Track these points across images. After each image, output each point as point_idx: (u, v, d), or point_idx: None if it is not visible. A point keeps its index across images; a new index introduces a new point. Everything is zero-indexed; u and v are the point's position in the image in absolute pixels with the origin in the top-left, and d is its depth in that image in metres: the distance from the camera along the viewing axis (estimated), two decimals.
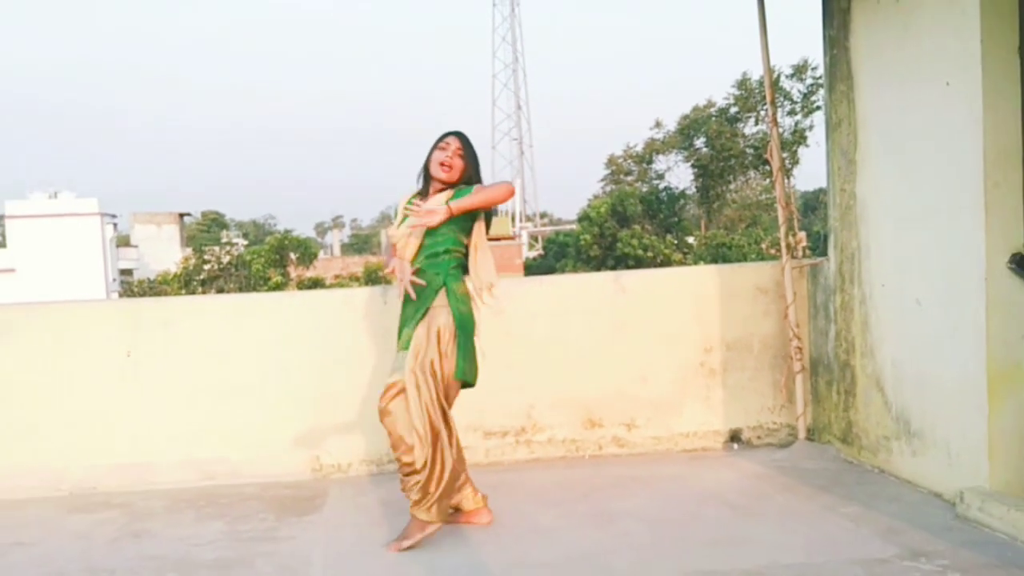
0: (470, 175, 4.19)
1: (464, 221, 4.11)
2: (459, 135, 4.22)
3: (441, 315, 4.04)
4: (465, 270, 4.22)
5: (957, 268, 4.19)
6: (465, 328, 4.08)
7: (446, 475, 3.96)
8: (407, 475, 3.99)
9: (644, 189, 44.76)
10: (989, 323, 4.01)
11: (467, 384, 4.14)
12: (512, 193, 4.17)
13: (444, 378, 4.01)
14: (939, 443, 4.38)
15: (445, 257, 4.12)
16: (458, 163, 4.15)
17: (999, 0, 3.99)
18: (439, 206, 3.96)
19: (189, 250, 50.80)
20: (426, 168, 4.23)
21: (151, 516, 4.72)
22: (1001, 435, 4.02)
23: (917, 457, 4.55)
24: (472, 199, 4.02)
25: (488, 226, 4.29)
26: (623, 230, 37.49)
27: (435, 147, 4.20)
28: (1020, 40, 4.01)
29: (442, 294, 4.07)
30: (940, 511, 4.16)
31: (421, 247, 4.14)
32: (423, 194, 4.23)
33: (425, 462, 3.92)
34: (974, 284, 4.06)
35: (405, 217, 4.18)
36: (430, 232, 4.09)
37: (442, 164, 4.13)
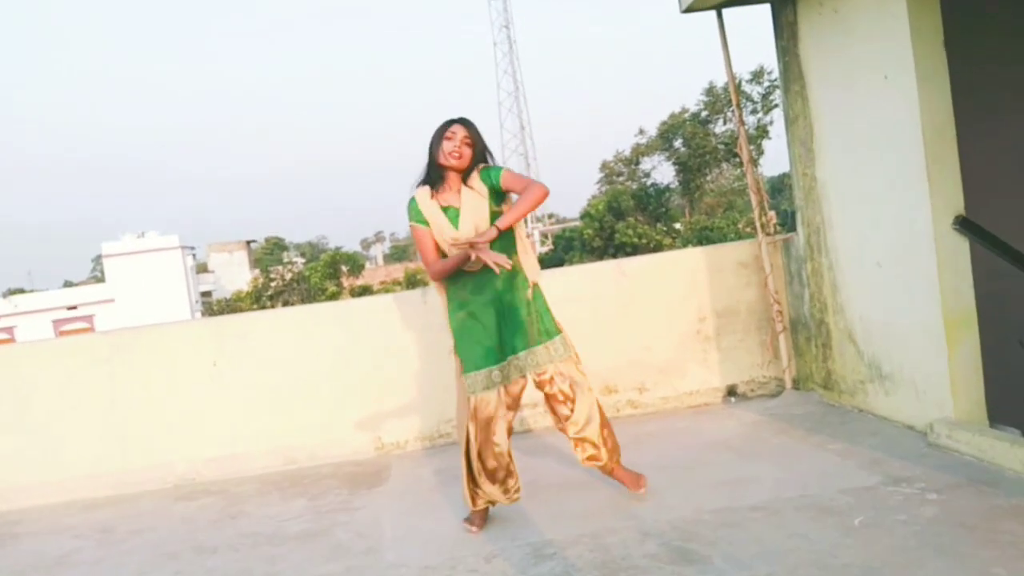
0: (478, 160, 3.61)
1: (496, 204, 3.62)
2: (463, 122, 3.60)
3: (536, 308, 3.69)
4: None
5: (909, 232, 4.12)
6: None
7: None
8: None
9: (634, 187, 44.57)
10: (941, 276, 3.95)
11: None
12: (547, 194, 3.45)
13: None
14: (908, 383, 4.32)
15: (508, 245, 3.60)
16: (467, 151, 3.56)
17: (924, 1, 3.94)
18: (483, 230, 3.46)
19: (257, 271, 51.01)
20: (433, 159, 3.61)
21: (244, 499, 4.73)
22: (960, 371, 3.96)
23: (890, 396, 4.50)
24: (516, 213, 3.45)
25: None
26: (619, 223, 37.31)
27: (441, 137, 3.57)
28: (945, 35, 3.95)
29: (534, 290, 3.69)
30: (914, 441, 4.10)
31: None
32: (432, 183, 3.62)
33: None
34: (925, 245, 4.00)
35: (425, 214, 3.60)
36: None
37: (451, 153, 3.54)
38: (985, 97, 4.05)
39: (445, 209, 3.60)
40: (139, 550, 4.04)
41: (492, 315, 3.60)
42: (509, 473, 3.68)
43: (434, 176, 3.62)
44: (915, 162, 3.99)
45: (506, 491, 3.69)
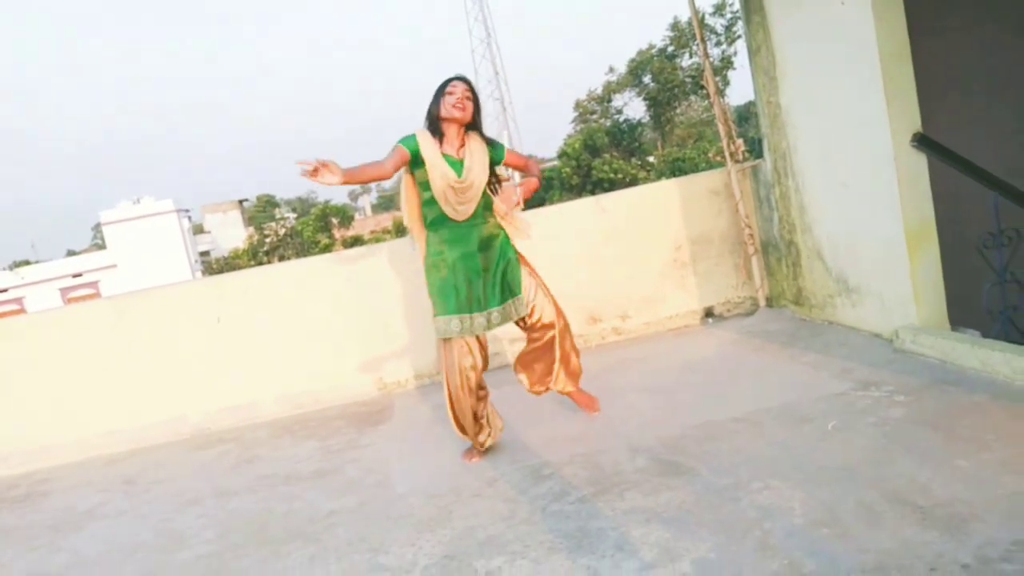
0: (477, 116, 3.63)
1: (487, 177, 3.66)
2: (464, 79, 3.62)
3: (513, 256, 3.73)
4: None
5: (870, 151, 4.12)
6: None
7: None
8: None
9: (608, 124, 44.14)
10: (901, 192, 3.96)
11: None
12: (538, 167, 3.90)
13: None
14: (873, 294, 4.37)
15: (491, 212, 3.70)
16: (469, 105, 3.56)
17: None
18: (510, 196, 3.68)
19: (251, 229, 50.62)
20: (434, 114, 3.58)
21: (259, 444, 4.78)
22: (922, 281, 4.00)
23: (857, 308, 4.55)
24: (529, 188, 3.72)
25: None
26: (595, 160, 37.06)
27: (443, 92, 3.56)
28: None
29: (509, 244, 3.72)
30: (881, 349, 4.17)
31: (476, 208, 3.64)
32: (436, 133, 3.57)
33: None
34: (886, 162, 4.00)
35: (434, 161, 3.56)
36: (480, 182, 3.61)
37: (455, 106, 3.52)
38: (935, 18, 4.01)
39: (445, 156, 3.55)
40: (162, 498, 4.10)
41: (466, 267, 3.60)
42: (480, 427, 3.72)
43: (435, 130, 3.58)
44: (873, 84, 3.97)
45: (477, 438, 3.72)
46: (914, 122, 3.94)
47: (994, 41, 5.52)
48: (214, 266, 44.13)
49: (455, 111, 3.53)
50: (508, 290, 3.70)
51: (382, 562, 2.84)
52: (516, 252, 3.76)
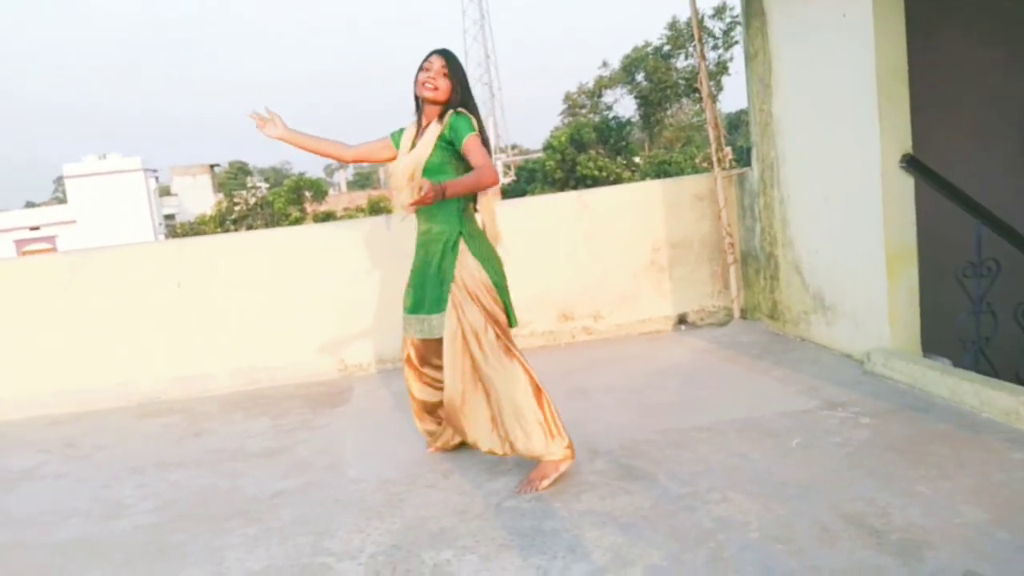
0: (458, 95, 3.29)
1: (457, 157, 3.24)
2: (443, 53, 3.32)
3: (469, 270, 3.26)
4: (474, 204, 3.38)
5: (858, 169, 4.16)
6: (503, 283, 3.39)
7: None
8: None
9: (596, 119, 44.20)
10: (886, 213, 4.01)
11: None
12: (495, 183, 3.16)
13: (503, 328, 3.33)
14: (848, 314, 4.42)
15: (454, 203, 3.27)
16: (443, 83, 3.26)
17: None
18: (424, 179, 2.99)
19: (220, 195, 50.03)
20: (414, 93, 3.36)
21: (208, 418, 4.74)
22: (898, 304, 4.06)
23: (831, 327, 4.60)
24: (460, 187, 3.05)
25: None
26: (581, 155, 37.09)
27: (419, 68, 3.32)
28: None
29: (463, 247, 3.28)
30: (851, 369, 4.22)
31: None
32: (419, 120, 3.40)
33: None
34: (873, 181, 4.05)
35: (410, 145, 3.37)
36: (429, 171, 3.23)
37: (424, 84, 3.26)
38: (936, 38, 4.06)
39: (415, 145, 3.34)
40: (103, 464, 4.04)
41: (419, 262, 3.41)
42: (434, 425, 3.61)
43: (417, 109, 3.40)
44: (867, 100, 4.01)
45: (430, 435, 3.65)
46: (905, 143, 3.98)
47: (988, 58, 5.59)
48: (178, 231, 43.56)
49: (425, 90, 3.28)
50: (431, 302, 3.33)
51: (327, 546, 2.83)
52: (483, 273, 3.28)
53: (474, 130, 3.21)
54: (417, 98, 3.37)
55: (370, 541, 2.83)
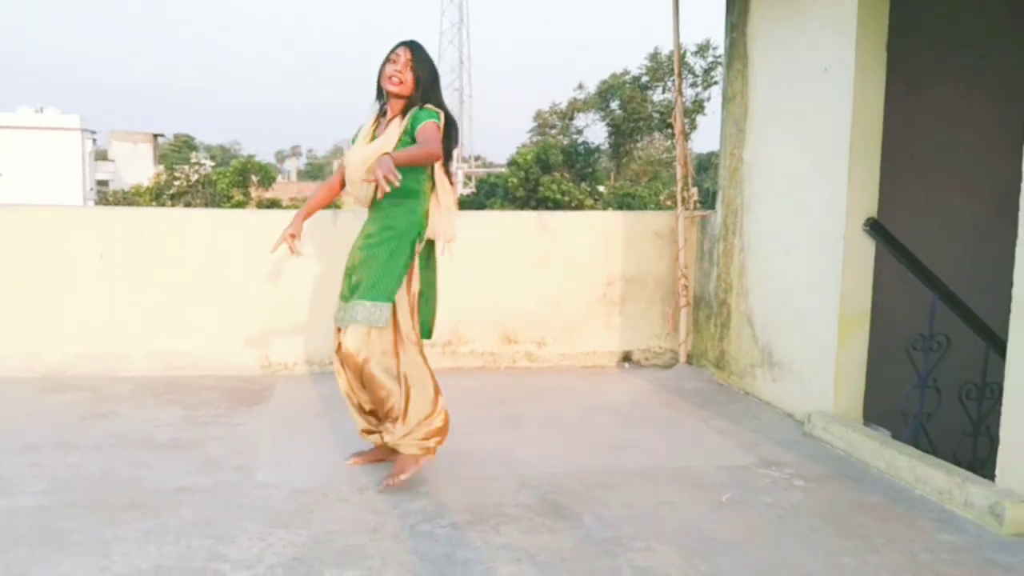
0: (424, 88, 3.32)
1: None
2: (410, 45, 3.34)
3: (379, 254, 3.29)
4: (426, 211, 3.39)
5: (822, 227, 4.26)
6: (433, 286, 3.50)
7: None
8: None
9: (565, 142, 44.62)
10: (844, 275, 4.11)
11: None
12: (435, 157, 3.25)
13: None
14: (795, 373, 4.51)
15: (411, 202, 3.32)
16: (408, 76, 3.29)
17: (874, 2, 4.02)
18: (385, 154, 3.02)
19: (161, 168, 49.09)
20: (378, 84, 3.41)
21: (116, 400, 4.60)
22: (846, 369, 4.14)
23: (777, 383, 4.68)
24: (405, 156, 3.08)
25: (448, 158, 3.42)
26: (545, 176, 37.38)
27: (386, 60, 3.35)
28: (888, 38, 4.05)
29: (416, 247, 3.34)
30: (791, 429, 4.29)
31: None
32: (383, 112, 3.44)
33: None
34: (834, 241, 4.14)
35: (370, 137, 3.43)
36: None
37: (390, 77, 3.30)
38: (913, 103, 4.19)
39: (375, 137, 3.40)
40: None
41: (355, 253, 3.40)
42: (367, 420, 3.52)
43: (381, 102, 3.44)
44: (839, 158, 4.11)
45: (361, 427, 3.55)
46: (871, 207, 4.09)
47: (970, 106, 5.74)
48: (110, 198, 42.61)
49: (390, 84, 3.31)
50: (368, 289, 3.28)
51: (224, 552, 2.76)
52: (392, 254, 3.27)
53: (432, 116, 3.27)
54: (380, 88, 3.40)
55: (271, 552, 2.77)
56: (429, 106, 3.32)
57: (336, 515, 3.08)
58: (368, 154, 3.33)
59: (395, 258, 3.28)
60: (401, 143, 3.29)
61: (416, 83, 3.32)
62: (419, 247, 3.36)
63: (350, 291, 3.34)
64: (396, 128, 3.34)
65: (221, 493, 3.27)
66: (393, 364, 3.32)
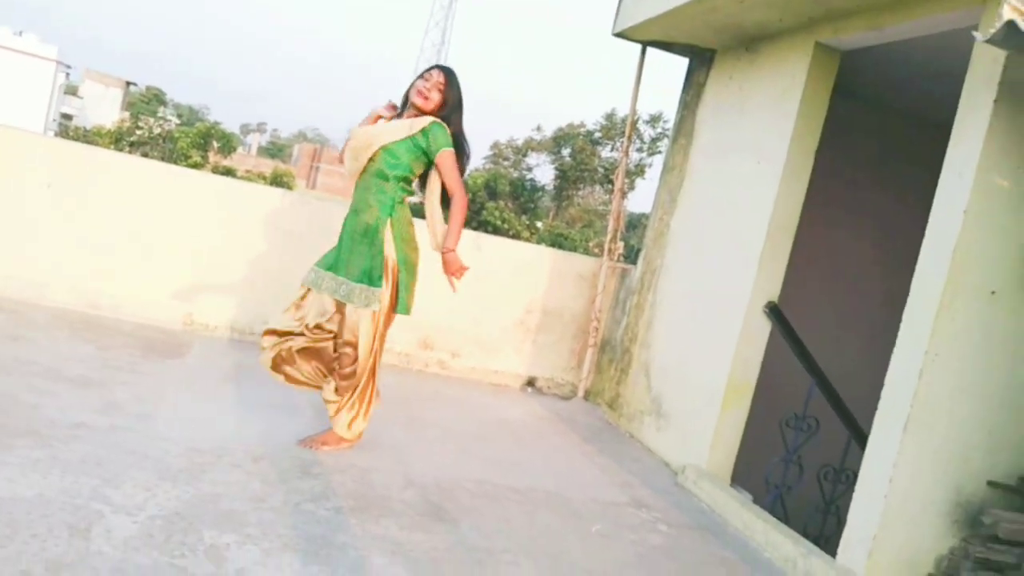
0: (448, 111, 3.43)
1: (421, 160, 3.43)
2: (445, 70, 3.48)
3: (386, 249, 3.42)
4: (409, 197, 3.54)
5: (728, 301, 4.35)
6: (409, 267, 3.52)
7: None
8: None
9: (515, 175, 44.94)
10: (738, 347, 4.20)
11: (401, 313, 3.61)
12: (467, 199, 3.55)
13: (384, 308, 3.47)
14: (678, 426, 4.57)
15: (394, 185, 3.41)
16: (436, 96, 3.40)
17: (812, 113, 4.16)
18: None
19: (127, 115, 47.45)
20: (407, 93, 3.51)
21: (32, 326, 4.37)
22: (723, 432, 4.23)
23: (660, 432, 4.74)
24: (455, 230, 3.47)
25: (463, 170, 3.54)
26: (491, 202, 37.52)
27: (420, 75, 3.48)
28: (819, 144, 4.20)
29: (387, 231, 3.41)
30: (666, 478, 4.34)
31: (371, 162, 3.40)
32: (399, 114, 3.53)
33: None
34: (736, 316, 4.24)
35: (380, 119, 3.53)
36: (387, 149, 3.38)
37: (419, 91, 3.40)
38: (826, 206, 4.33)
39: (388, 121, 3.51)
40: None
41: (345, 231, 3.49)
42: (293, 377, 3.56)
43: (403, 107, 3.54)
44: (754, 246, 4.22)
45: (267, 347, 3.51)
46: (773, 292, 4.21)
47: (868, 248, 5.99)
48: (71, 133, 40.91)
49: (417, 96, 3.41)
50: (353, 269, 3.41)
51: (108, 494, 2.62)
52: (393, 251, 3.44)
53: (449, 145, 3.40)
54: (406, 100, 3.51)
55: (154, 503, 2.65)
56: (443, 124, 3.41)
57: (225, 479, 2.97)
58: (374, 135, 3.41)
59: (375, 245, 3.41)
60: (407, 142, 3.39)
61: (443, 104, 3.44)
62: (390, 230, 3.42)
63: (343, 269, 3.41)
64: (408, 126, 3.41)
65: (117, 437, 3.13)
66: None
